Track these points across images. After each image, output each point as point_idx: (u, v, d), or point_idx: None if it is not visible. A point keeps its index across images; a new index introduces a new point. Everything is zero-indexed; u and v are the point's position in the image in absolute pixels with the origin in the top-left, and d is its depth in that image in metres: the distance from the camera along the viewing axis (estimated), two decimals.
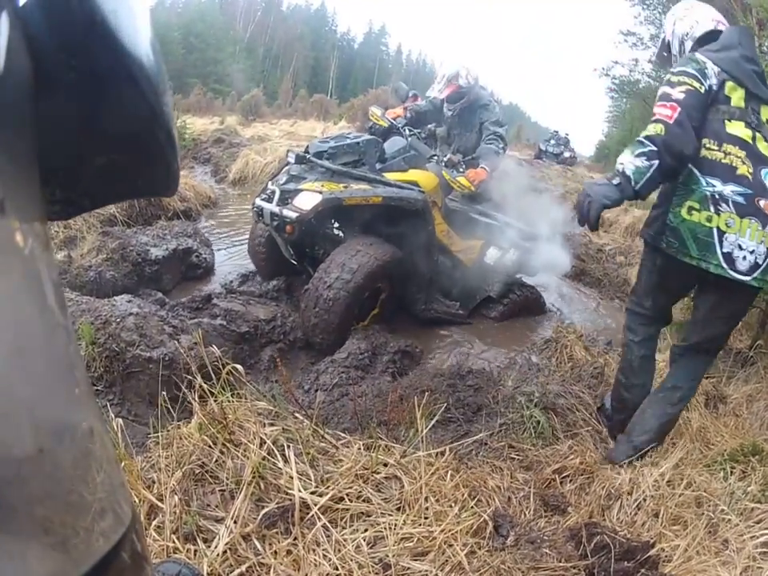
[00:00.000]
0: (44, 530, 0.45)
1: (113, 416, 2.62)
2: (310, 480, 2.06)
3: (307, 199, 4.51)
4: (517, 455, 2.99)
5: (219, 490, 2.01)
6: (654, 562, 2.17)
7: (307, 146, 5.12)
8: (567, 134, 33.69)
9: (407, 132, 5.58)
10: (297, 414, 2.46)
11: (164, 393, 2.54)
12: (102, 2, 0.49)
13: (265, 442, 2.13)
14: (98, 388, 3.30)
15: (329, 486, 2.06)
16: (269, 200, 4.80)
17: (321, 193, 4.49)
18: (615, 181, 2.88)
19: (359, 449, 2.34)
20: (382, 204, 4.73)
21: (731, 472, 2.89)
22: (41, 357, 0.48)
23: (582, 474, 2.83)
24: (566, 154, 31.27)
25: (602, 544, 2.18)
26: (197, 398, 2.34)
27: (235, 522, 1.88)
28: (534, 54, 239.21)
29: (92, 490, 0.51)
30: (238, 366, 2.41)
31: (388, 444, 2.42)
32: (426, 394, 3.14)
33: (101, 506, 0.52)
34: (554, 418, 3.32)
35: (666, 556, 2.24)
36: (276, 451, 2.11)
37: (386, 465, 2.27)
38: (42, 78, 0.50)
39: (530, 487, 2.64)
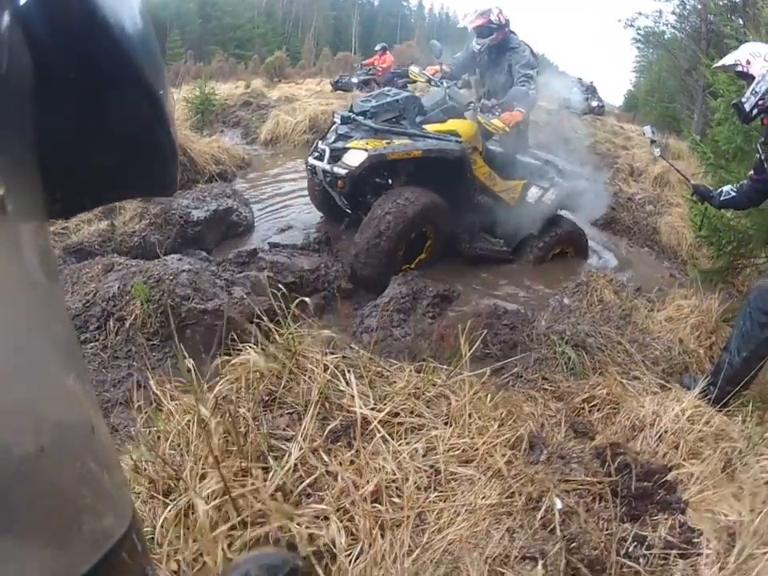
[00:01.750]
0: (44, 530, 0.46)
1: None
2: (369, 399, 2.28)
3: (355, 156, 4.94)
4: (549, 386, 3.21)
5: (287, 413, 2.23)
6: (672, 485, 2.37)
7: (351, 105, 5.60)
8: (592, 82, 31.34)
9: (445, 85, 5.76)
10: (353, 345, 2.69)
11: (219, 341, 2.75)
12: (102, 3, 0.51)
13: (328, 368, 2.36)
14: (154, 342, 3.51)
15: (385, 404, 2.28)
16: (320, 158, 5.26)
17: (366, 150, 4.90)
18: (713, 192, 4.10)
19: (410, 371, 2.55)
20: (423, 156, 5.06)
21: (751, 416, 3.06)
22: (42, 356, 0.49)
23: (608, 405, 3.03)
24: (594, 103, 28.97)
25: (624, 463, 2.39)
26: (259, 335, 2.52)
27: (304, 439, 2.10)
28: (559, 3, 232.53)
29: (93, 490, 0.52)
30: (306, 299, 2.56)
31: (436, 366, 2.62)
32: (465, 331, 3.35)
33: (101, 506, 0.53)
34: (584, 355, 3.52)
35: (683, 483, 2.42)
36: (339, 375, 2.34)
37: (434, 384, 2.49)
38: (43, 78, 0.51)
39: (560, 415, 2.87)
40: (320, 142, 5.56)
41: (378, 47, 18.55)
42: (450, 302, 4.57)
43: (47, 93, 0.52)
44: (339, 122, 5.44)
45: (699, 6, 18.70)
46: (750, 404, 3.20)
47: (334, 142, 5.26)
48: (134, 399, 2.34)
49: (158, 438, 2.16)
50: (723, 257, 5.30)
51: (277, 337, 2.45)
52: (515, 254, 5.84)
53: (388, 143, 4.99)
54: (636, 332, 4.04)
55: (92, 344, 3.44)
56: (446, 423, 2.33)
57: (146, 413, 2.30)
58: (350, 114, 5.43)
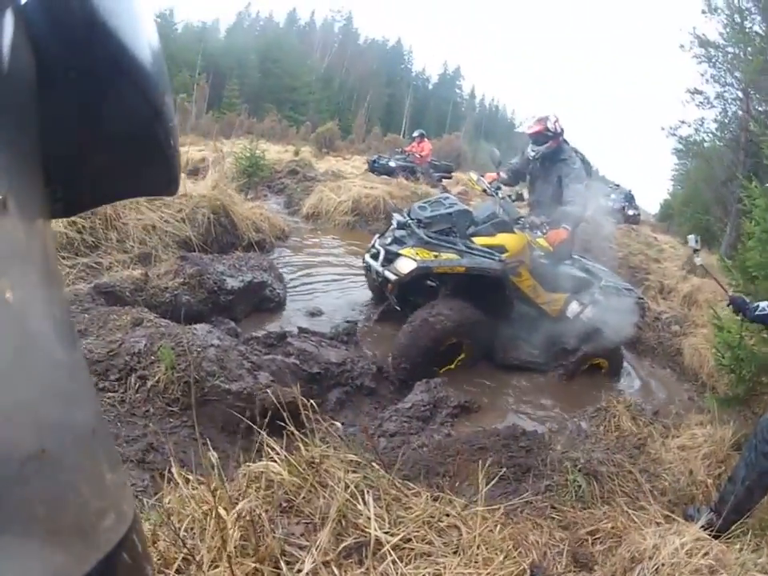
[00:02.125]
0: (45, 530, 0.45)
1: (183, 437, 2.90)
2: (384, 522, 2.36)
3: (405, 264, 5.33)
4: (557, 515, 3.22)
5: (304, 523, 2.29)
6: None
7: (409, 210, 5.97)
8: (630, 191, 31.26)
9: (499, 195, 6.17)
10: (374, 464, 2.75)
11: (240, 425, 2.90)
12: (102, 2, 0.51)
13: (349, 487, 2.43)
14: (174, 409, 3.52)
15: (399, 528, 2.36)
16: (375, 257, 5.69)
17: (415, 260, 5.27)
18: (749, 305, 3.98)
19: (427, 499, 2.62)
20: (465, 272, 5.40)
21: (748, 544, 3.10)
22: (43, 357, 0.49)
23: (611, 537, 3.04)
24: (630, 212, 28.87)
25: None
26: (278, 439, 2.61)
27: (317, 551, 2.16)
28: (605, 110, 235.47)
29: (93, 491, 0.52)
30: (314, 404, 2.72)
31: (451, 498, 2.69)
32: (483, 451, 3.42)
33: (102, 506, 0.53)
34: (595, 484, 3.55)
35: None
36: (358, 495, 2.41)
37: (447, 515, 2.55)
38: (44, 77, 0.52)
39: (564, 545, 2.88)
40: (378, 239, 5.98)
41: (415, 133, 18.36)
42: (468, 413, 4.65)
43: (48, 92, 0.53)
44: (396, 225, 5.85)
45: (740, 113, 18.52)
46: (749, 532, 3.25)
47: (390, 244, 5.67)
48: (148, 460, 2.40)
49: (169, 516, 2.17)
50: (742, 384, 5.19)
51: (301, 446, 2.52)
52: (549, 364, 5.96)
53: (436, 256, 5.32)
54: (648, 462, 4.07)
55: (110, 394, 3.46)
56: (454, 552, 2.38)
57: (160, 491, 2.36)
58: (406, 219, 5.81)
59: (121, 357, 3.64)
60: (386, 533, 2.30)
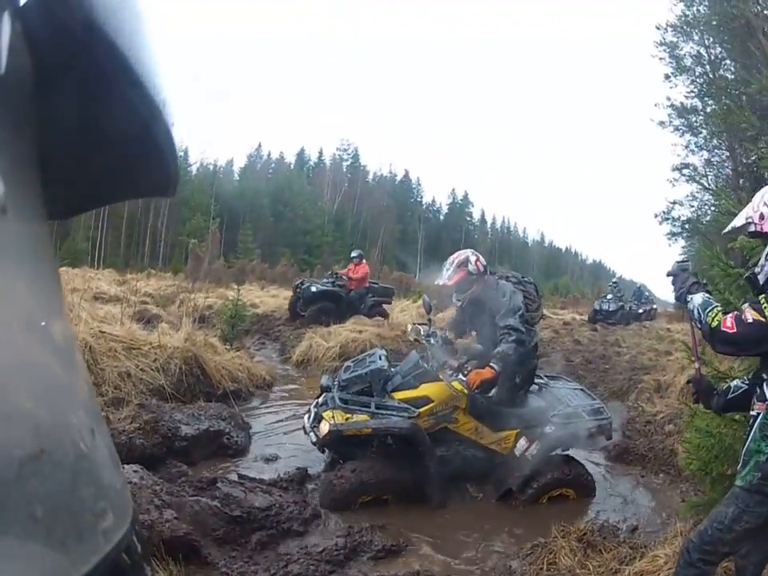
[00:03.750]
0: (44, 530, 0.45)
1: None
2: None
3: (323, 426, 5.42)
4: None
5: None
6: None
7: (339, 374, 6.22)
8: (640, 286, 30.96)
9: (431, 342, 6.10)
10: None
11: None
12: (100, 4, 0.51)
13: None
14: None
15: None
16: (308, 418, 5.82)
17: (330, 423, 5.34)
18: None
19: None
20: (373, 434, 5.46)
21: None
22: (42, 358, 0.50)
23: None
24: (640, 310, 28.28)
25: None
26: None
27: None
28: (600, 208, 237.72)
29: (92, 491, 0.52)
30: None
31: None
32: None
33: (101, 507, 0.53)
34: None
35: None
36: None
37: None
38: (43, 79, 0.52)
39: None
40: (313, 402, 6.07)
41: (354, 254, 16.42)
42: (396, 556, 4.51)
43: (47, 94, 0.53)
44: (321, 388, 6.10)
45: (729, 172, 18.47)
46: None
47: (321, 405, 5.79)
48: None
49: None
50: (719, 485, 4.50)
51: None
52: (503, 499, 5.72)
53: (348, 418, 5.42)
54: None
55: None
56: None
57: None
58: (329, 382, 6.03)
59: None
60: None
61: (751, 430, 2.87)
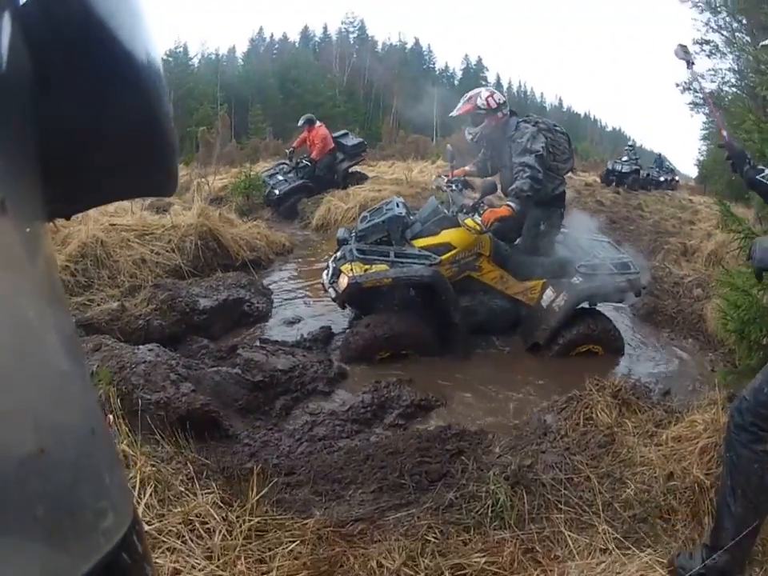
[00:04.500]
0: (44, 530, 0.45)
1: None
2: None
3: (341, 281, 5.32)
4: (434, 538, 2.66)
5: None
6: None
7: (356, 225, 6.09)
8: (660, 154, 29.68)
9: (453, 188, 5.88)
10: None
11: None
12: (100, 4, 0.52)
13: None
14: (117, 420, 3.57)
15: None
16: (327, 274, 5.71)
17: (348, 276, 5.23)
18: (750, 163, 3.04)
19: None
20: (393, 284, 5.29)
21: None
22: (42, 357, 0.50)
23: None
24: (661, 178, 27.41)
25: None
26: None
27: None
28: (620, 70, 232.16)
29: (93, 491, 0.52)
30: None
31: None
32: (393, 455, 3.29)
33: (101, 507, 0.53)
34: (525, 496, 2.93)
35: None
36: None
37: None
38: (43, 78, 0.52)
39: None
40: (332, 257, 5.95)
41: (300, 122, 13.61)
42: (428, 411, 4.44)
43: (47, 93, 0.53)
44: (338, 241, 5.86)
45: (750, 58, 17.87)
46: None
47: (338, 260, 5.61)
48: None
49: None
50: (754, 353, 4.37)
51: None
52: (530, 351, 5.65)
53: (368, 269, 5.26)
54: (616, 463, 3.34)
55: None
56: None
57: None
58: (346, 235, 5.84)
59: None
60: None
61: None
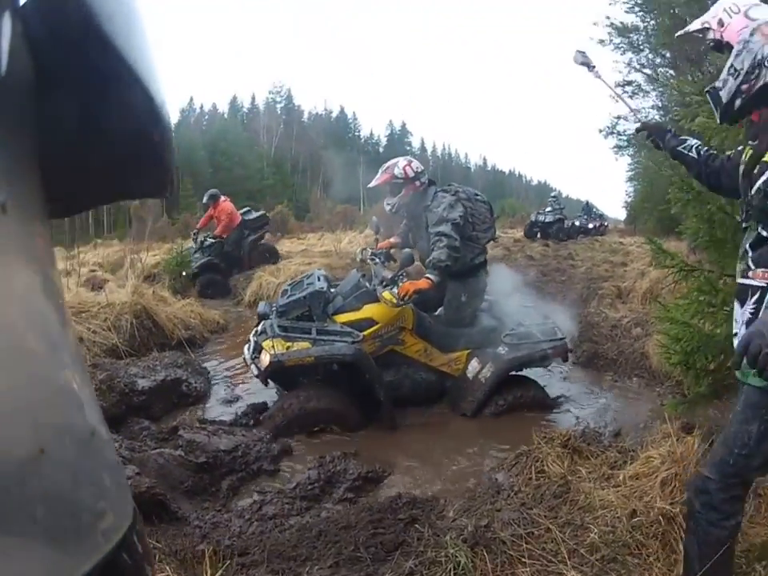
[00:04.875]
0: (44, 530, 0.46)
1: None
2: None
3: (264, 358, 5.19)
4: None
5: None
6: None
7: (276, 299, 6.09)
8: (588, 202, 30.90)
9: (376, 261, 5.94)
10: None
11: None
12: (98, 6, 0.53)
13: None
14: None
15: None
16: (248, 349, 5.55)
17: (270, 354, 5.12)
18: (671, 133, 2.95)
19: None
20: (315, 362, 5.22)
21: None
22: (42, 359, 0.50)
23: None
24: (590, 225, 28.37)
25: None
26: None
27: None
28: (540, 124, 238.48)
29: (93, 491, 0.53)
30: None
31: None
32: (346, 530, 3.22)
33: (101, 507, 0.54)
34: (486, 556, 2.86)
35: None
36: None
37: None
38: (43, 79, 0.53)
39: None
40: (253, 331, 5.83)
41: (205, 198, 13.49)
42: (376, 483, 4.34)
43: (46, 94, 0.54)
44: (258, 316, 5.89)
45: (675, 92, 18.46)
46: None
47: (259, 334, 5.52)
48: None
49: None
50: (704, 379, 4.28)
51: None
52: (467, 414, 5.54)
53: (289, 347, 5.18)
54: (575, 511, 3.29)
55: None
56: None
57: None
58: (267, 309, 5.82)
59: None
60: None
61: (754, 304, 2.32)
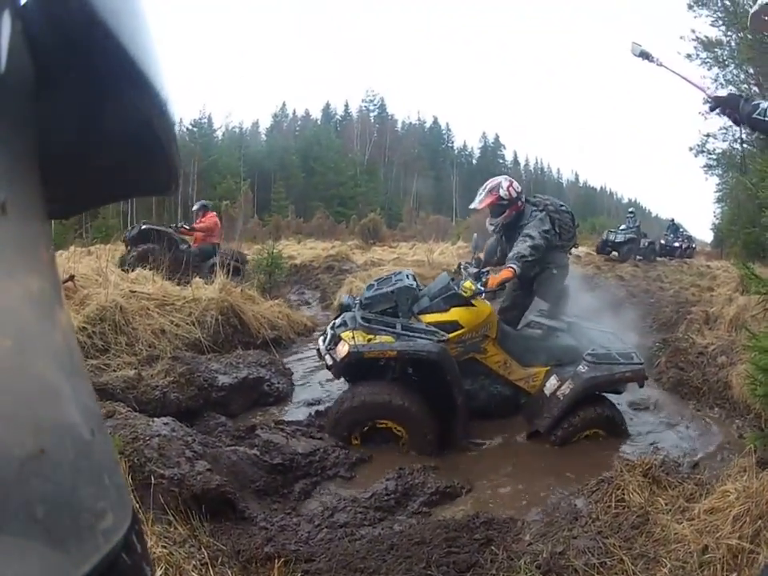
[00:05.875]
0: (44, 530, 0.46)
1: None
2: None
3: (341, 348, 5.06)
4: None
5: None
6: None
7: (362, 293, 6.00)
8: (673, 220, 29.41)
9: (467, 267, 5.86)
10: None
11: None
12: (101, 3, 0.51)
13: None
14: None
15: None
16: (324, 340, 5.43)
17: (349, 344, 4.99)
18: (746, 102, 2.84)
19: None
20: (397, 357, 5.09)
21: None
22: (42, 358, 0.50)
23: None
24: (676, 244, 27.13)
25: None
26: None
27: None
28: (632, 141, 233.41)
29: (92, 491, 0.53)
30: None
31: None
32: (419, 546, 3.12)
33: (101, 507, 0.53)
34: None
35: None
36: None
37: None
38: (43, 78, 0.52)
39: None
40: (331, 323, 5.77)
41: (195, 206, 13.55)
42: (452, 498, 4.25)
43: (48, 93, 0.52)
44: (342, 308, 5.86)
45: None
46: None
47: (338, 326, 5.43)
48: None
49: None
50: None
51: None
52: (535, 436, 5.42)
53: (370, 339, 5.05)
54: (649, 543, 3.18)
55: None
56: None
57: None
58: (350, 301, 5.78)
59: None
60: None
61: None
